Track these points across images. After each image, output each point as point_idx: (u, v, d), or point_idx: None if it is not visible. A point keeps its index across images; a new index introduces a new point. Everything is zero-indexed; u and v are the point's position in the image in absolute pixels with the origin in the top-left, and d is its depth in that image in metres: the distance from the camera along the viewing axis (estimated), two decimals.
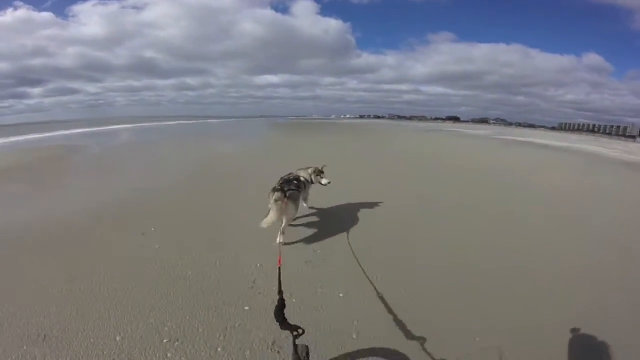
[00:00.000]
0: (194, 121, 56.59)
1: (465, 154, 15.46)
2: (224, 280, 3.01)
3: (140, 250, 3.60)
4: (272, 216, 3.34)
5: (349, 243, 3.78)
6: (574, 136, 46.07)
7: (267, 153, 12.73)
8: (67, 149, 13.42)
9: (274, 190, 3.56)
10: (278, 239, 3.47)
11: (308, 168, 4.36)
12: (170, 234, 4.05)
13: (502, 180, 8.58)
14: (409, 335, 2.31)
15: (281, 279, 1.84)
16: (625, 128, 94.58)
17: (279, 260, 2.05)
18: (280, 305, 1.58)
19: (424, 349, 2.15)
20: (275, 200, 3.39)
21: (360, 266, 3.26)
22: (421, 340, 2.23)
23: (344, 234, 4.08)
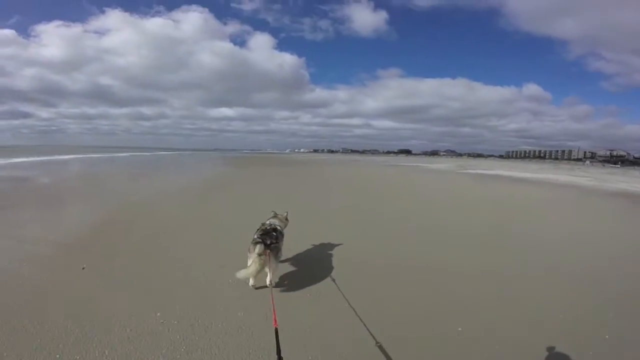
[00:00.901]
0: (147, 153, 55.18)
1: (450, 193, 12.19)
2: None
3: None
4: (252, 270, 3.09)
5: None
6: (533, 165, 46.04)
7: (210, 202, 7.33)
8: None
9: (255, 243, 3.26)
10: (268, 280, 3.17)
11: (277, 216, 4.09)
12: None
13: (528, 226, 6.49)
14: None
15: (279, 340, 1.73)
16: (570, 152, 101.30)
17: (275, 320, 1.94)
18: None
19: None
20: (259, 255, 3.12)
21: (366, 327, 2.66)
22: None
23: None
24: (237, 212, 7.15)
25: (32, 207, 7.44)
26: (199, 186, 12.70)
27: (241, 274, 3.05)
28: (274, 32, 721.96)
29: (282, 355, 1.60)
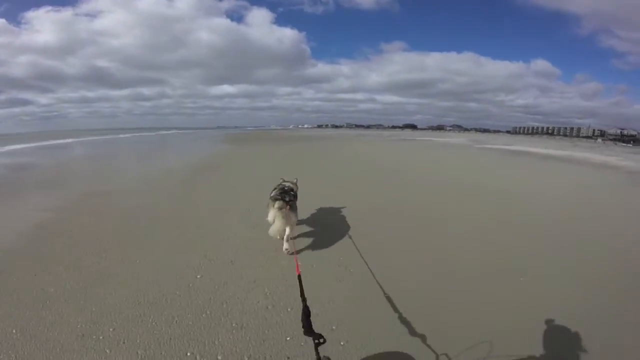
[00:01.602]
0: (149, 133, 56.40)
1: (491, 173, 10.53)
2: None
3: None
4: (279, 224, 3.30)
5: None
6: (549, 141, 43.78)
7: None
8: None
9: (275, 199, 3.43)
10: (285, 247, 3.42)
11: (286, 181, 4.13)
12: None
13: None
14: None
15: (302, 285, 1.80)
16: (579, 129, 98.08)
17: (297, 268, 2.06)
18: (307, 312, 1.54)
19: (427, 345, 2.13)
20: (279, 209, 3.30)
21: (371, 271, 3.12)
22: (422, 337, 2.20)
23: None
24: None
25: None
26: (189, 167, 11.38)
27: (272, 232, 3.35)
28: (271, 6, 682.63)
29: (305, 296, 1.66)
